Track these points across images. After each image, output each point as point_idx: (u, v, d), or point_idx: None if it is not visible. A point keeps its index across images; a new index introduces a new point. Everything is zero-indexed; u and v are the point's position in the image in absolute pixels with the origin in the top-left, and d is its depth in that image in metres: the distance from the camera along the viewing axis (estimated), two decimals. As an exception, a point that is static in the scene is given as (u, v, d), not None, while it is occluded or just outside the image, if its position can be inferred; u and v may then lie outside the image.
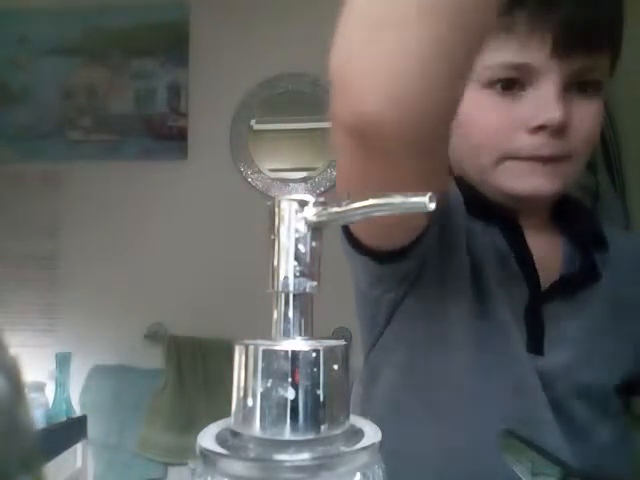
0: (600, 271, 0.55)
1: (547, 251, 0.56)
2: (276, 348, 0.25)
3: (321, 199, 0.28)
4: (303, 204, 0.27)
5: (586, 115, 0.50)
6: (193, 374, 1.90)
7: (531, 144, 0.49)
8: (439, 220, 0.50)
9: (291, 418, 0.25)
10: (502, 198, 0.55)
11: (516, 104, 0.50)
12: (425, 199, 0.25)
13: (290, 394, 0.25)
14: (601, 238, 0.57)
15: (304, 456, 0.24)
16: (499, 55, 0.49)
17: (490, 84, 0.50)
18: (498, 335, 0.53)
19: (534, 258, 0.54)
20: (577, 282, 0.54)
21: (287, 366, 0.25)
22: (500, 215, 0.54)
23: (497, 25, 0.47)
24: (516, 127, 0.50)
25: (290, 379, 0.25)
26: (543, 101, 0.49)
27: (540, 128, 0.49)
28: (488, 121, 0.51)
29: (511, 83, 0.50)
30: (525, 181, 0.50)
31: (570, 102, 0.49)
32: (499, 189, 0.53)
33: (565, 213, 0.58)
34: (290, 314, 0.28)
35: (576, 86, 0.50)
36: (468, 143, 0.53)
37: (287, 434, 0.25)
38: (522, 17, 0.48)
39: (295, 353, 0.25)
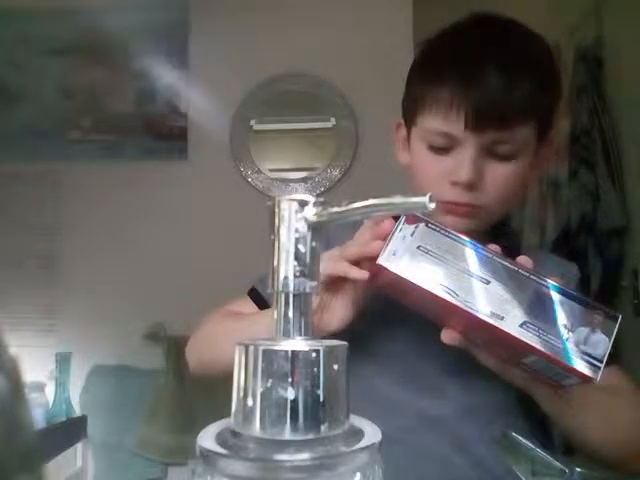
0: None
1: None
2: (276, 348, 0.25)
3: (321, 199, 0.28)
4: (303, 204, 0.27)
5: (497, 177, 0.63)
6: (193, 374, 1.90)
7: (450, 193, 0.64)
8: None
9: (291, 418, 0.25)
10: None
11: (445, 161, 0.64)
12: (425, 199, 0.25)
13: (290, 394, 0.25)
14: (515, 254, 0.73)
15: (304, 456, 0.24)
16: (432, 122, 0.64)
17: (430, 145, 0.65)
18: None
19: None
20: None
21: (287, 366, 0.25)
22: None
23: (430, 99, 0.63)
24: (443, 178, 0.64)
25: (290, 379, 0.25)
26: (459, 163, 0.62)
27: (455, 183, 0.63)
28: (427, 171, 0.67)
29: (442, 146, 0.64)
30: (446, 218, 0.64)
31: (485, 165, 0.63)
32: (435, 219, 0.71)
33: (497, 237, 0.72)
34: (290, 314, 0.28)
35: (492, 154, 0.63)
36: (417, 183, 0.70)
37: (287, 434, 0.25)
38: (444, 94, 0.61)
39: (295, 353, 0.25)
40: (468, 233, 0.68)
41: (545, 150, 0.68)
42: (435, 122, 0.63)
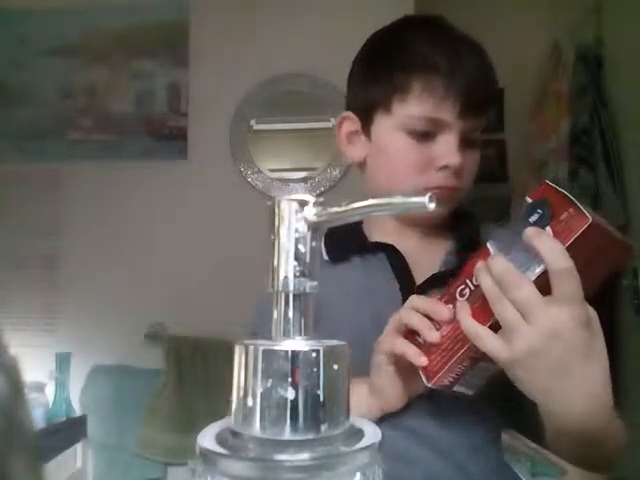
0: None
1: (432, 252, 0.72)
2: (276, 348, 0.25)
3: (321, 199, 0.28)
4: (303, 204, 0.27)
5: (470, 162, 0.68)
6: (193, 374, 1.90)
7: (438, 178, 0.66)
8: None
9: (291, 418, 0.25)
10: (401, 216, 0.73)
11: (429, 148, 0.66)
12: (425, 199, 0.25)
13: (290, 394, 0.25)
14: (474, 244, 0.71)
15: (304, 456, 0.24)
16: (419, 108, 0.65)
17: (411, 132, 0.66)
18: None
19: (419, 256, 0.71)
20: (444, 279, 0.66)
21: (287, 366, 0.25)
22: (384, 244, 0.73)
23: (421, 85, 0.64)
24: (428, 165, 0.66)
25: (290, 379, 0.25)
26: (448, 148, 0.65)
27: (444, 167, 0.65)
28: (409, 159, 0.67)
29: (426, 133, 0.66)
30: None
31: (463, 151, 0.66)
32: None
33: (458, 222, 0.75)
34: (290, 314, 0.28)
35: (466, 140, 0.67)
36: (392, 175, 0.70)
37: (287, 434, 0.25)
38: (439, 82, 0.64)
39: (295, 353, 0.25)
40: (441, 216, 0.71)
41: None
42: (424, 107, 0.65)
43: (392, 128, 0.68)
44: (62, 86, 2.13)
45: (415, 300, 0.57)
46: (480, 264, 0.51)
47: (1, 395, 0.16)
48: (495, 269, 0.48)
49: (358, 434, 0.26)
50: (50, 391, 1.79)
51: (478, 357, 0.52)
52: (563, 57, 2.27)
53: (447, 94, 0.64)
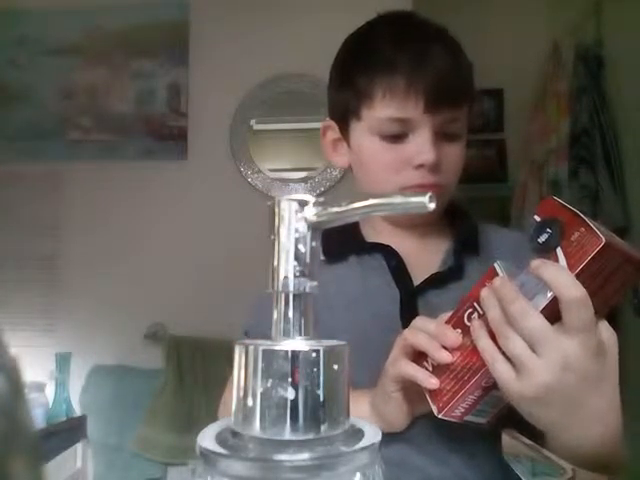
0: (463, 270, 0.69)
1: (431, 252, 0.72)
2: (276, 348, 0.25)
3: (321, 199, 0.28)
4: (303, 204, 0.27)
5: (449, 157, 0.66)
6: (193, 374, 1.90)
7: (416, 177, 0.65)
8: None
9: (291, 418, 0.25)
10: (395, 218, 0.72)
11: (402, 148, 0.66)
12: (425, 199, 0.25)
13: (290, 394, 0.25)
14: (473, 243, 0.72)
15: (304, 456, 0.24)
16: (385, 111, 0.65)
17: (383, 135, 0.66)
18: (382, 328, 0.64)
19: (417, 256, 0.71)
20: (443, 279, 0.68)
21: (287, 366, 0.25)
22: (381, 245, 0.72)
23: (382, 88, 0.64)
24: (404, 164, 0.66)
25: (290, 379, 0.25)
26: (421, 146, 0.64)
27: (420, 166, 0.64)
28: (384, 161, 0.67)
29: (397, 134, 0.66)
30: None
31: (440, 146, 0.65)
32: None
33: (455, 222, 0.75)
34: (290, 314, 0.28)
35: (442, 135, 0.66)
36: (372, 178, 0.70)
37: (287, 434, 0.25)
38: (400, 83, 0.63)
39: (295, 353, 0.25)
40: (432, 216, 0.69)
41: (466, 132, 0.72)
42: (389, 110, 0.64)
43: (365, 133, 0.68)
44: (62, 86, 2.14)
45: (420, 322, 0.55)
46: (486, 291, 0.48)
47: (1, 395, 0.16)
48: (502, 296, 0.46)
49: (358, 434, 0.26)
50: (50, 391, 1.79)
51: (490, 386, 0.49)
52: (563, 57, 2.27)
53: (408, 92, 0.63)
